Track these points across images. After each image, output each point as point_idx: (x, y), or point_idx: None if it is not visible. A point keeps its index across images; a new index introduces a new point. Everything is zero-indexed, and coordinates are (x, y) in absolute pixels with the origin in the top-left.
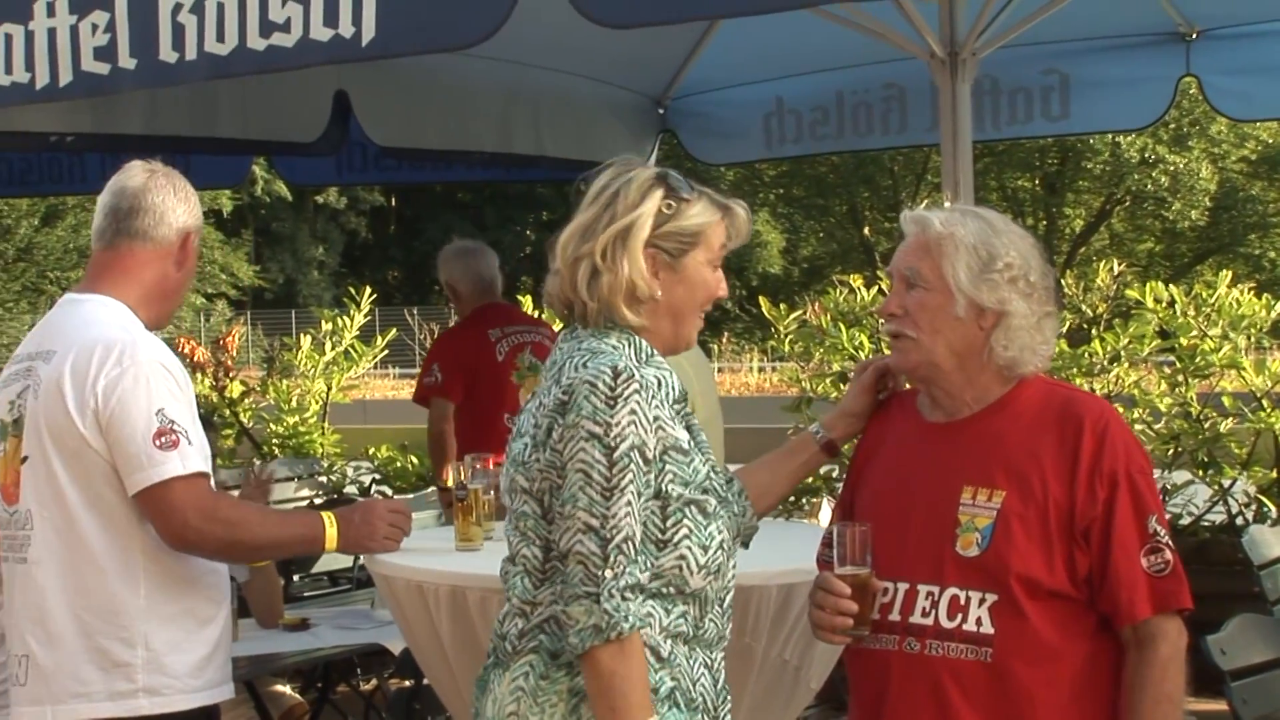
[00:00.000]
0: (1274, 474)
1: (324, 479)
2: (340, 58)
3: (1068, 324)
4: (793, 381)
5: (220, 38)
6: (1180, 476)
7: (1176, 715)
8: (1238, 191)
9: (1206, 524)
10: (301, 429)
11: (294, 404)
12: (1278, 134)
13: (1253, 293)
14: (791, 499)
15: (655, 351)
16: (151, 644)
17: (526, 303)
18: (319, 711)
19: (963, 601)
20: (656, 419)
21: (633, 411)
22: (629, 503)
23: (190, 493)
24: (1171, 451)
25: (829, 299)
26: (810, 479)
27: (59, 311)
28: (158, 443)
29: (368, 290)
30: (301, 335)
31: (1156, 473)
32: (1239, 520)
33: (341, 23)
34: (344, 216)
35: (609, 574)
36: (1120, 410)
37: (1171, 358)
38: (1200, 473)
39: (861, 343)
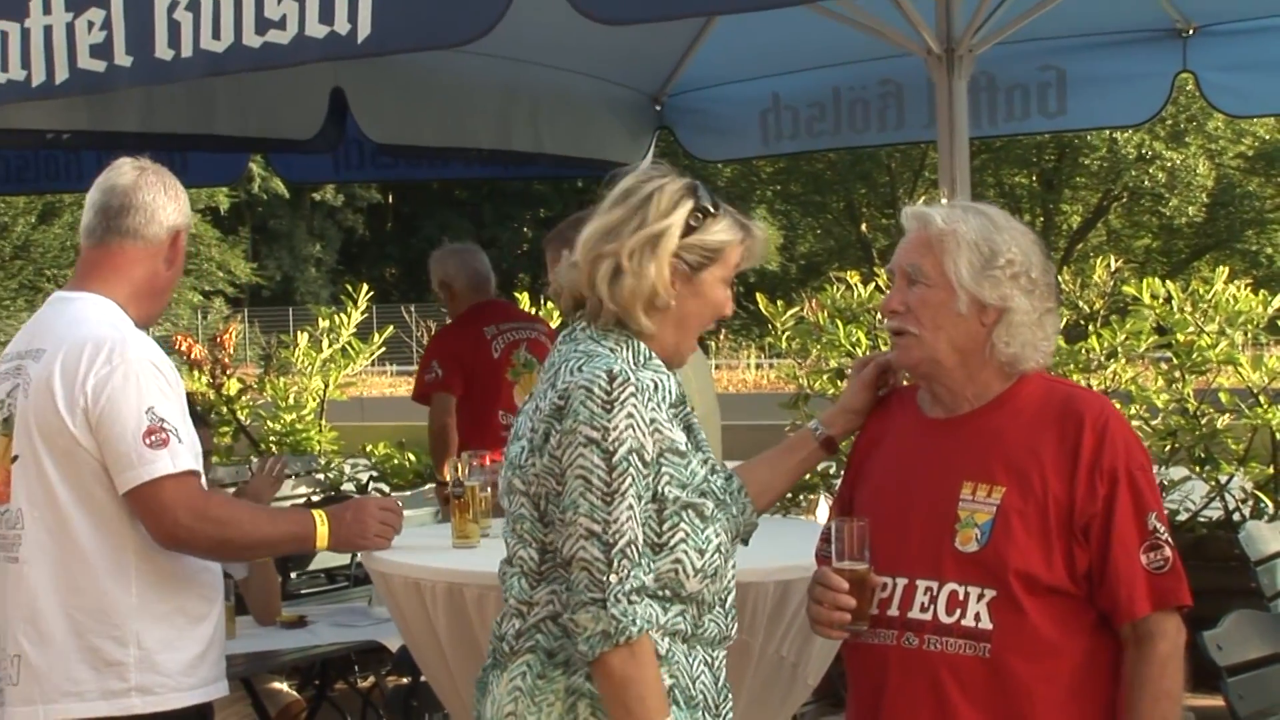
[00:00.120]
0: (1270, 470)
1: (321, 476)
2: (336, 55)
3: (1065, 320)
4: (790, 378)
5: (216, 35)
6: (1177, 472)
7: (1175, 712)
8: (1235, 188)
9: (1203, 520)
10: (299, 426)
11: (291, 401)
12: (1275, 130)
13: (1249, 289)
14: (789, 495)
15: (653, 354)
16: (144, 643)
17: (523, 300)
18: (316, 709)
19: (961, 597)
20: (653, 421)
21: (629, 415)
22: (630, 506)
23: (181, 491)
24: (1168, 447)
25: (826, 296)
26: (808, 475)
27: (49, 309)
28: (148, 441)
29: (365, 287)
30: (299, 332)
31: (1153, 469)
32: (1236, 516)
33: (337, 20)
34: (341, 214)
35: (614, 579)
36: (1118, 406)
37: (1168, 354)
38: (1197, 468)
39: (859, 339)
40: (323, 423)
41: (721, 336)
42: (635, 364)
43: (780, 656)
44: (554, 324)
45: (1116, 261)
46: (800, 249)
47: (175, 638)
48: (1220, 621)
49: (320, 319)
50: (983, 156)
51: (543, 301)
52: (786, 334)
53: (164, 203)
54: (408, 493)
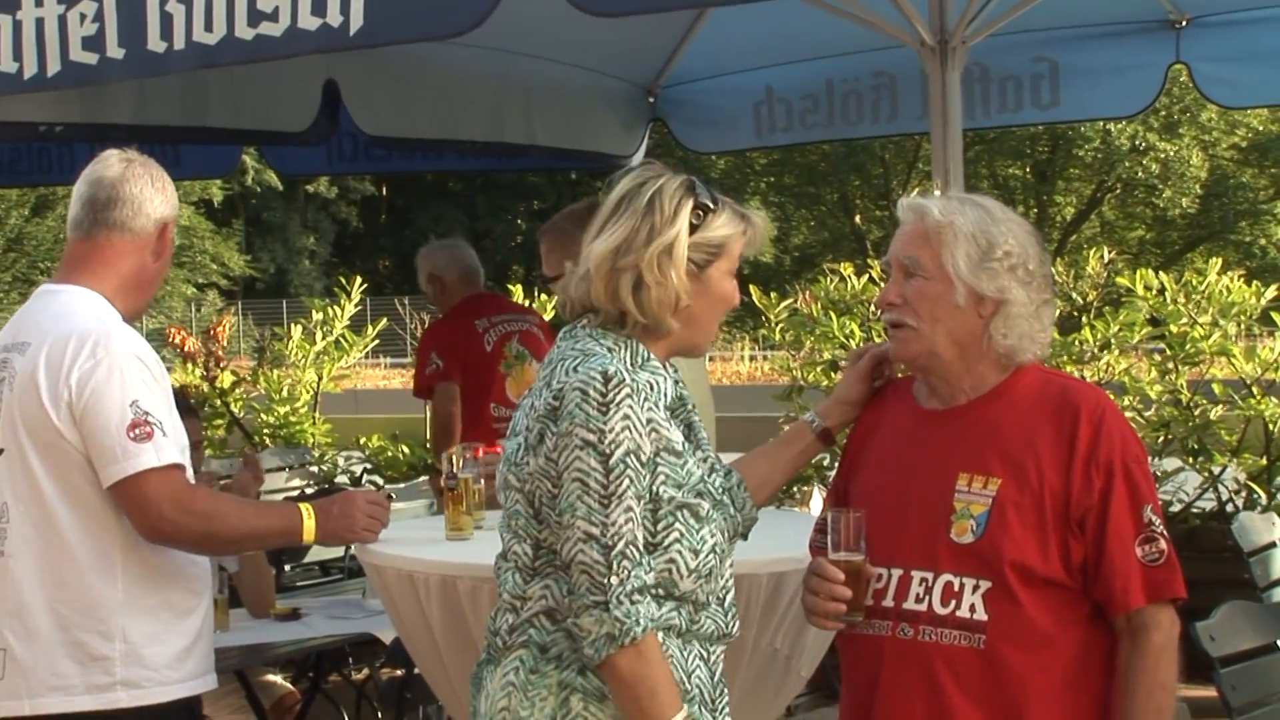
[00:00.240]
0: (1264, 461)
1: (315, 469)
2: (329, 47)
3: (1058, 312)
4: (784, 370)
5: (209, 27)
6: (1170, 464)
7: (1169, 704)
8: (1228, 179)
9: (1196, 511)
10: (292, 419)
11: (285, 394)
12: (1268, 121)
13: (1242, 280)
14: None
15: (652, 355)
16: (129, 637)
17: (517, 292)
18: (310, 701)
19: (956, 588)
20: (650, 421)
21: (625, 417)
22: (628, 508)
23: (165, 485)
24: (1161, 439)
25: (819, 287)
26: None
27: (35, 302)
28: (131, 434)
29: (358, 280)
30: (292, 325)
31: (1149, 461)
32: (1229, 507)
33: (330, 12)
34: (335, 206)
35: (614, 580)
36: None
37: (1162, 345)
38: (1190, 460)
39: (852, 331)
40: (316, 415)
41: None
42: (633, 364)
43: (774, 649)
44: (547, 316)
45: (1110, 253)
46: (794, 241)
47: (162, 631)
48: (1213, 612)
49: (314, 311)
50: (977, 148)
51: (536, 293)
52: (780, 326)
53: (151, 195)
54: (401, 485)
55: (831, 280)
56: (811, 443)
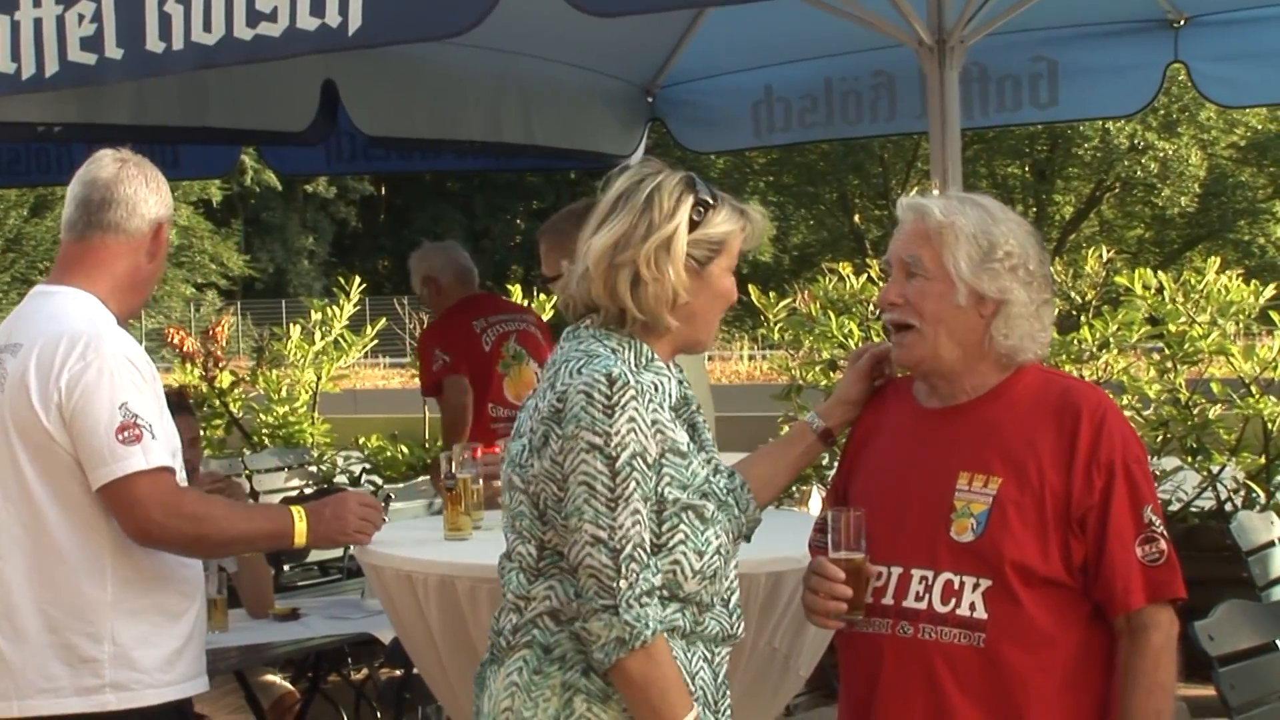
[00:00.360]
0: (1262, 460)
1: (314, 469)
2: (327, 47)
3: (1057, 311)
4: (783, 369)
5: (207, 27)
6: (1169, 463)
7: (1168, 704)
8: (1227, 178)
9: (1195, 510)
10: (291, 419)
11: (284, 394)
12: (1267, 120)
13: (1241, 279)
14: None
15: (656, 355)
16: (119, 639)
17: (516, 292)
18: (310, 701)
19: (957, 586)
20: (655, 422)
21: (631, 419)
22: (635, 510)
23: (154, 487)
24: (1160, 438)
25: (818, 287)
26: None
27: (29, 304)
28: (120, 437)
29: (357, 280)
30: (291, 325)
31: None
32: (1228, 506)
33: (328, 12)
34: (334, 206)
35: (623, 584)
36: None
37: (1160, 344)
38: (1189, 459)
39: (851, 330)
40: (315, 415)
41: None
42: (637, 365)
43: (772, 648)
44: (546, 316)
45: (1109, 252)
46: (793, 240)
47: (152, 634)
48: (1212, 612)
49: (313, 311)
50: (975, 147)
51: (535, 293)
52: (779, 325)
53: (145, 195)
54: (400, 485)
55: (830, 280)
56: (813, 443)
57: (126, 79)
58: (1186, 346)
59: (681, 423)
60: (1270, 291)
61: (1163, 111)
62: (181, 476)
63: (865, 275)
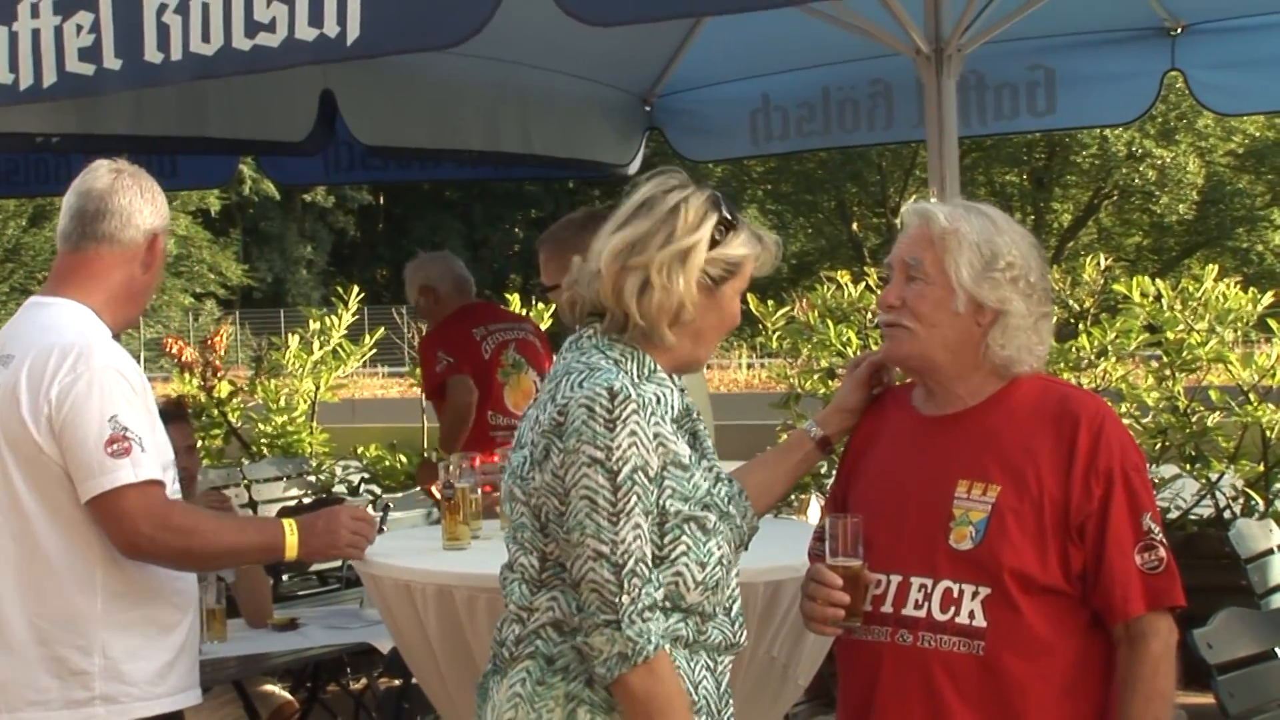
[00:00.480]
0: (1261, 468)
1: (312, 478)
2: (326, 57)
3: (1055, 319)
4: (781, 378)
5: (205, 38)
6: (1168, 470)
7: (1167, 712)
8: (1225, 185)
9: (1194, 518)
10: (290, 428)
11: (282, 403)
12: (1265, 127)
13: (1239, 286)
14: None
15: (658, 367)
16: (109, 652)
17: (514, 301)
18: (309, 711)
19: (956, 594)
20: (657, 436)
21: (633, 433)
22: (636, 525)
23: (142, 500)
24: (1159, 445)
25: (816, 295)
26: None
27: (23, 314)
28: (109, 450)
29: (356, 289)
30: (290, 334)
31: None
32: (1226, 514)
33: (326, 22)
34: (332, 215)
35: (626, 599)
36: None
37: (1159, 352)
38: (1188, 466)
39: (849, 339)
40: (314, 425)
41: None
42: (639, 377)
43: (771, 657)
44: (544, 325)
45: (1107, 259)
46: (791, 248)
47: (143, 646)
48: (1211, 619)
49: (311, 321)
50: (974, 155)
51: (534, 302)
52: (777, 334)
53: (140, 206)
54: (399, 494)
55: (829, 288)
56: (811, 451)
57: (125, 89)
58: (1185, 354)
59: (683, 433)
60: (1268, 299)
61: (1160, 119)
62: (174, 489)
63: (863, 283)
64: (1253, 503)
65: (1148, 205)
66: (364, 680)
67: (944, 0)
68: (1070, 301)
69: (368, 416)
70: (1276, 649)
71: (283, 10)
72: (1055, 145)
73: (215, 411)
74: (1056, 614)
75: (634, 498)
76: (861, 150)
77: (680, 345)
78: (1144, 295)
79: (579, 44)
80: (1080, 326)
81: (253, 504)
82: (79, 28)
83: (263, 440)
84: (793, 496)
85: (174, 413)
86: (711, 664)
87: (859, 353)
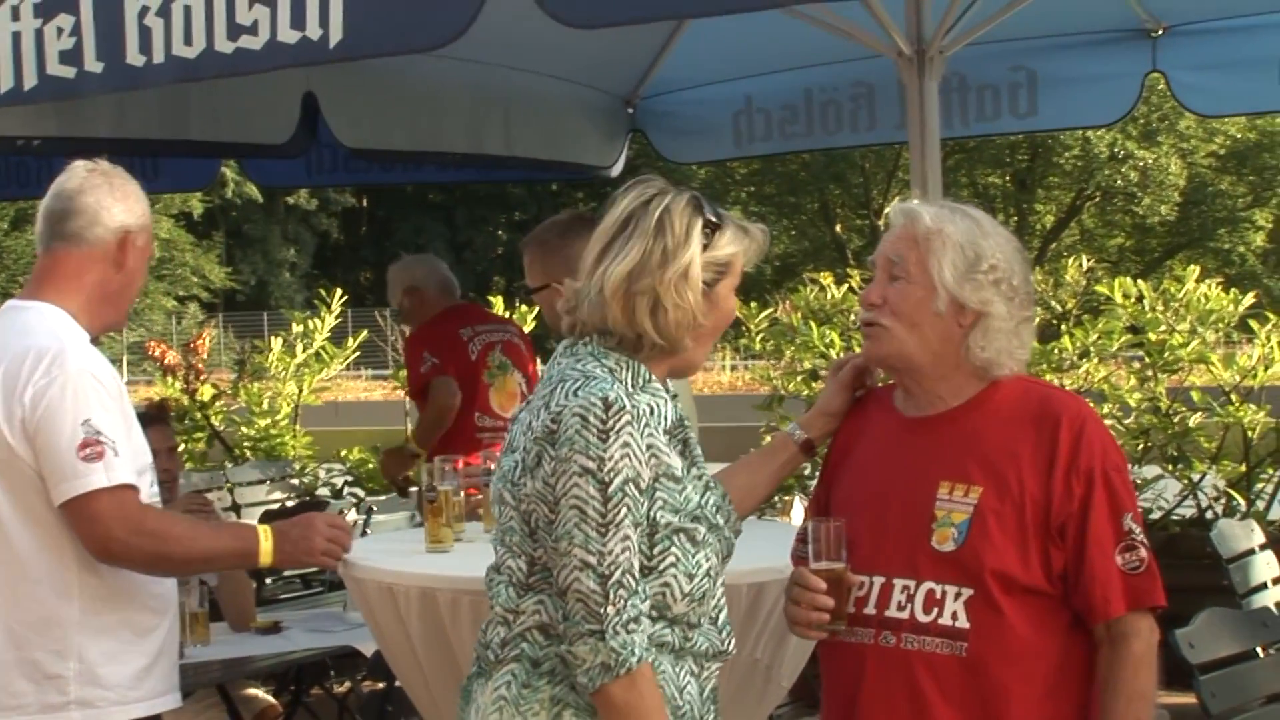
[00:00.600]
0: (1243, 468)
1: (296, 481)
2: (308, 60)
3: (1038, 320)
4: (764, 379)
5: (188, 40)
6: (1150, 471)
7: (1148, 712)
8: (1207, 186)
9: (1176, 518)
10: (273, 431)
11: (265, 406)
12: (1246, 129)
13: (1221, 287)
14: None
15: (653, 377)
16: (85, 656)
17: (497, 303)
18: (292, 714)
19: (938, 596)
20: (650, 447)
21: (625, 444)
22: (625, 536)
23: (114, 504)
24: (1141, 446)
25: (799, 297)
26: None
27: (0, 319)
28: (82, 454)
29: (339, 292)
30: (273, 337)
31: (1129, 470)
32: (1208, 514)
33: (309, 25)
34: (315, 218)
35: (611, 610)
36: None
37: (1140, 353)
38: (1170, 467)
39: (832, 340)
40: (297, 428)
41: None
42: (633, 387)
43: (754, 659)
44: (527, 327)
45: (1089, 261)
46: (775, 250)
47: (120, 651)
48: (1192, 619)
49: (294, 324)
50: (956, 156)
51: (517, 304)
52: (761, 336)
53: (108, 204)
54: (382, 497)
55: (812, 290)
56: (794, 454)
57: (106, 92)
58: (1167, 355)
59: (675, 442)
60: (1250, 300)
61: (1142, 121)
62: (152, 493)
63: (847, 285)
64: (1234, 503)
65: (1130, 206)
66: (347, 683)
67: (925, 2)
68: (1053, 302)
69: (351, 419)
70: (1258, 649)
71: (265, 13)
72: (1038, 147)
73: (198, 415)
74: (1038, 615)
75: (624, 509)
76: (844, 152)
77: (689, 350)
78: (1126, 296)
79: (562, 46)
80: (1063, 327)
81: (236, 507)
82: (60, 30)
83: (246, 443)
84: (776, 498)
85: (155, 415)
86: (696, 670)
87: (842, 354)
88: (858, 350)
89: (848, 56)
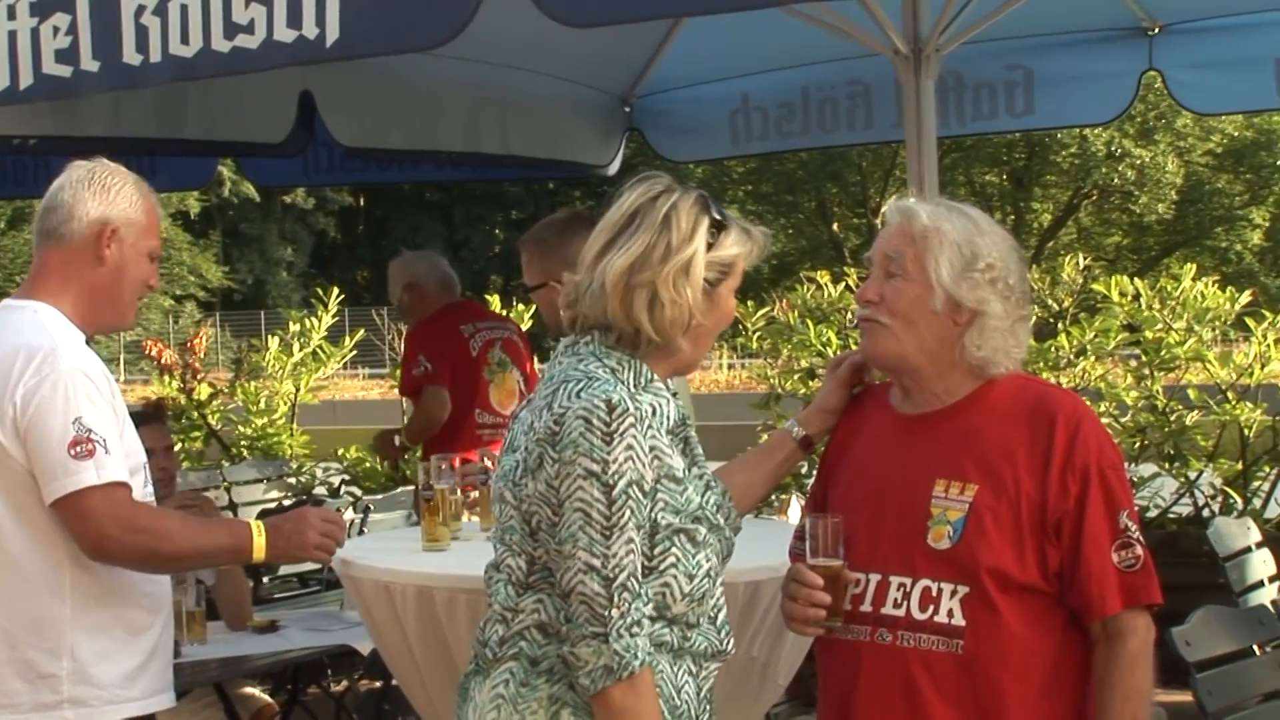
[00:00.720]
0: (1239, 466)
1: (293, 480)
2: (305, 59)
3: (1034, 318)
4: (762, 378)
5: (184, 40)
6: (1147, 469)
7: (1145, 710)
8: (1204, 185)
9: (1173, 516)
10: (270, 430)
11: (262, 405)
12: (1243, 127)
13: (1217, 285)
14: None
15: (655, 377)
16: (78, 654)
17: (495, 301)
18: (289, 713)
19: (934, 593)
20: (653, 449)
21: (629, 447)
22: (629, 539)
23: (106, 502)
24: (1138, 444)
25: (796, 295)
26: None
27: None
28: (73, 452)
29: (336, 291)
30: (270, 336)
31: (1125, 468)
32: (1205, 512)
33: (305, 24)
34: (312, 217)
35: (615, 613)
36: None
37: (1137, 351)
38: (1166, 465)
39: (829, 339)
40: (294, 427)
41: None
42: (636, 387)
43: (751, 657)
44: (525, 326)
45: (1086, 259)
46: (772, 249)
47: (113, 649)
48: (1189, 617)
49: (291, 323)
50: (953, 155)
51: (514, 303)
52: (758, 334)
53: (85, 198)
54: (379, 496)
55: (809, 288)
56: (793, 451)
57: (103, 91)
58: (1163, 353)
59: (677, 442)
60: (1246, 298)
61: (1139, 119)
62: (145, 492)
63: (844, 283)
64: (1231, 501)
65: (1127, 205)
66: (344, 682)
67: (922, 1)
68: (1049, 301)
69: (348, 418)
70: (1254, 646)
71: (261, 12)
72: (1035, 145)
73: (195, 414)
74: (1034, 613)
75: (628, 512)
76: (841, 150)
77: (683, 349)
78: (1123, 294)
79: (558, 45)
80: (1059, 326)
81: (233, 506)
82: (56, 29)
83: (243, 442)
84: (774, 496)
85: (151, 414)
86: (694, 670)
87: (839, 353)
88: (855, 348)
89: (844, 55)
